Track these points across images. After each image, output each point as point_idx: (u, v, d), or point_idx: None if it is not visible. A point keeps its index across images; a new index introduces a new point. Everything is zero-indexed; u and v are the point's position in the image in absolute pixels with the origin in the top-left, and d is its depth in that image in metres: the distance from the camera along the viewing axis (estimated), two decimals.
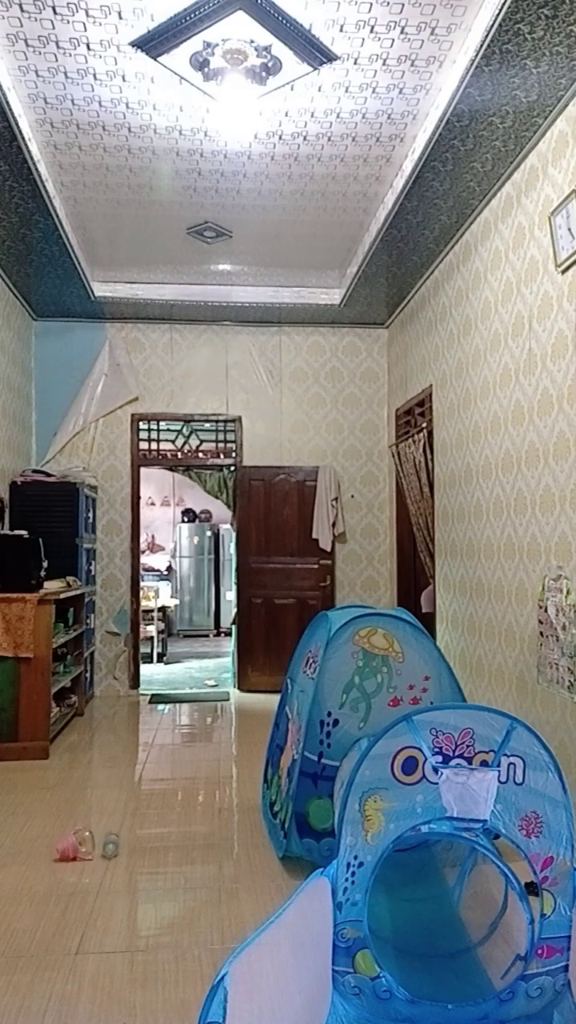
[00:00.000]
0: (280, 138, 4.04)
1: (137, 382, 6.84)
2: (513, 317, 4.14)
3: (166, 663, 8.56)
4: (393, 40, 3.23)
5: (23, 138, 3.85)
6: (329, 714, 3.06)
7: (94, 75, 3.48)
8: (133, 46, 3.27)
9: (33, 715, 4.76)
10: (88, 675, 6.42)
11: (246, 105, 3.71)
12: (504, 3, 2.88)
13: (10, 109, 3.60)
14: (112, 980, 2.35)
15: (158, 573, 10.72)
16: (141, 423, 6.91)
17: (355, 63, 3.39)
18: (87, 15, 3.08)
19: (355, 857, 1.87)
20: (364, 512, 7.01)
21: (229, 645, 7.85)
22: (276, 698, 3.82)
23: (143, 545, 9.16)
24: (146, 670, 7.51)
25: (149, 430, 6.99)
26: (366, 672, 3.08)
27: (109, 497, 6.81)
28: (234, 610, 7.12)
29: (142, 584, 7.34)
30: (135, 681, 6.85)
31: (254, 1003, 1.86)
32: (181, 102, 3.70)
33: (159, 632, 8.71)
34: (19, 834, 3.54)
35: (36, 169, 4.15)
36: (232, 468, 7.11)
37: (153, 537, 11.31)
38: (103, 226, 5.13)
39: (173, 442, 7.10)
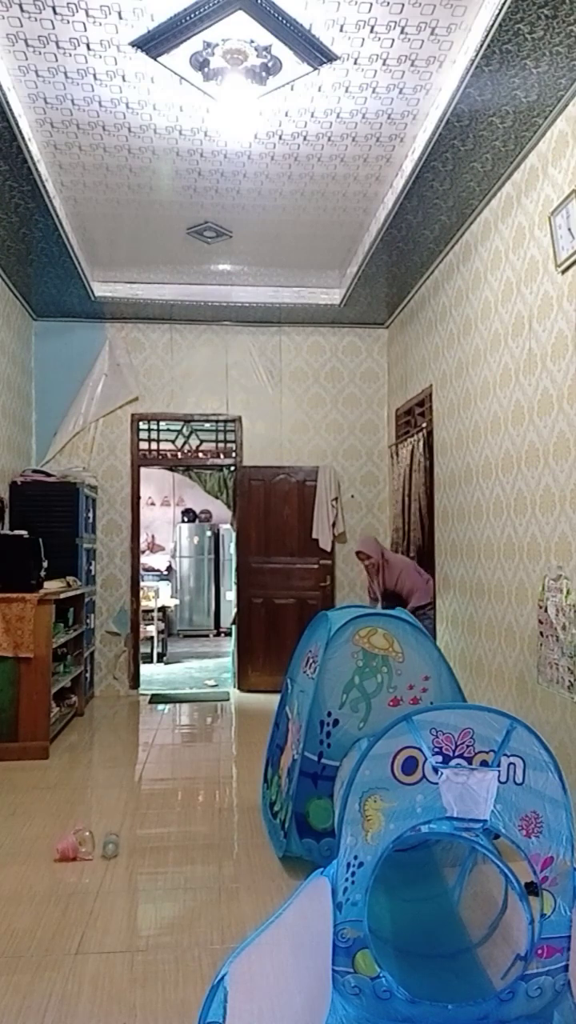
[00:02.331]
0: (280, 138, 4.04)
1: (137, 382, 6.84)
2: (513, 317, 4.14)
3: (166, 663, 8.56)
4: (393, 40, 3.23)
5: (23, 138, 3.85)
6: (329, 714, 3.06)
7: (94, 75, 3.48)
8: (133, 46, 3.27)
9: (33, 715, 4.76)
10: (88, 675, 6.42)
11: (246, 105, 3.71)
12: (504, 3, 2.88)
13: (10, 109, 3.60)
14: (112, 980, 2.35)
15: (158, 573, 10.72)
16: (141, 423, 6.92)
17: (355, 63, 3.39)
18: (87, 15, 3.08)
19: (355, 857, 1.87)
20: (364, 512, 7.01)
21: (229, 645, 7.85)
22: (276, 698, 3.82)
23: (143, 545, 9.16)
24: (146, 670, 7.51)
25: (149, 430, 6.99)
26: (366, 672, 3.08)
27: (109, 497, 6.81)
28: (234, 610, 7.12)
29: (142, 584, 7.34)
30: (135, 681, 6.85)
31: (254, 1003, 1.86)
32: (181, 102, 3.71)
33: (159, 632, 8.71)
34: (19, 834, 3.53)
35: (36, 169, 4.15)
36: (232, 468, 7.11)
37: (153, 537, 11.31)
38: (103, 226, 5.13)
39: (173, 442, 7.10)
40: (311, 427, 6.99)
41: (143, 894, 3.03)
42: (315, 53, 3.30)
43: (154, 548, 11.25)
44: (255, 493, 6.86)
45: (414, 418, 6.21)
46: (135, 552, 6.88)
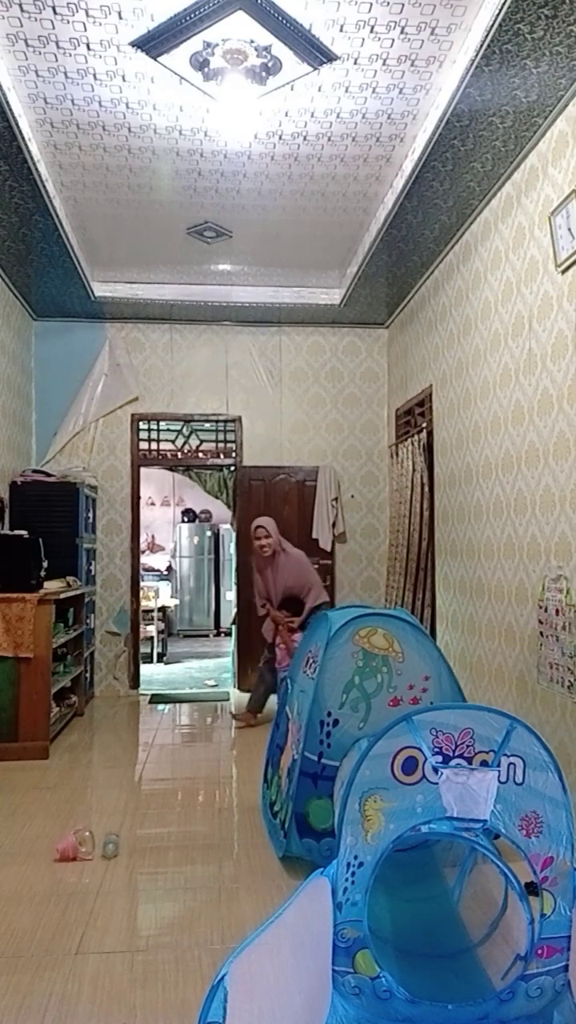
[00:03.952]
0: (280, 138, 4.04)
1: (137, 382, 6.84)
2: (513, 317, 4.14)
3: (166, 663, 8.55)
4: (393, 40, 3.23)
5: (23, 138, 3.85)
6: (329, 714, 3.06)
7: (94, 75, 3.48)
8: (133, 46, 3.27)
9: (33, 715, 4.76)
10: (88, 675, 6.42)
11: (246, 105, 3.71)
12: (504, 3, 2.88)
13: (10, 109, 3.60)
14: (112, 980, 2.35)
15: (158, 573, 10.72)
16: (141, 423, 6.91)
17: (355, 63, 3.39)
18: (87, 15, 3.08)
19: (355, 857, 1.87)
20: (364, 512, 7.01)
21: (229, 645, 7.85)
22: (276, 698, 3.82)
23: (143, 545, 9.16)
24: (146, 670, 7.51)
25: (149, 430, 6.99)
26: (366, 672, 3.08)
27: (109, 497, 6.81)
28: (234, 610, 7.12)
29: (142, 584, 7.34)
30: (135, 681, 6.85)
31: (254, 1003, 1.86)
32: (181, 102, 3.71)
33: (159, 632, 8.71)
34: (19, 834, 3.53)
35: (36, 169, 4.15)
36: (232, 468, 7.11)
37: (153, 537, 11.31)
38: (103, 226, 5.13)
39: (173, 442, 7.10)
40: (311, 427, 6.99)
41: (143, 894, 3.03)
42: (315, 53, 3.30)
43: (154, 548, 11.25)
44: (255, 493, 6.86)
45: (414, 418, 6.21)
46: (135, 552, 6.88)
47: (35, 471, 6.19)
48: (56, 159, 4.24)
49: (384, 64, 3.40)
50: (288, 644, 5.16)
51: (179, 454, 7.12)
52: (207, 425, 7.07)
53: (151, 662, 8.28)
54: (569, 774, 2.47)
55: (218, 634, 10.91)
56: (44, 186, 4.34)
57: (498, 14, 2.93)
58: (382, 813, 1.88)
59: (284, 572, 5.14)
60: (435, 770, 1.90)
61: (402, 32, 3.17)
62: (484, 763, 1.90)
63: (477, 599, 4.72)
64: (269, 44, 3.25)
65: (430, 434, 5.66)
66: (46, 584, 5.16)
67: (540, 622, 3.77)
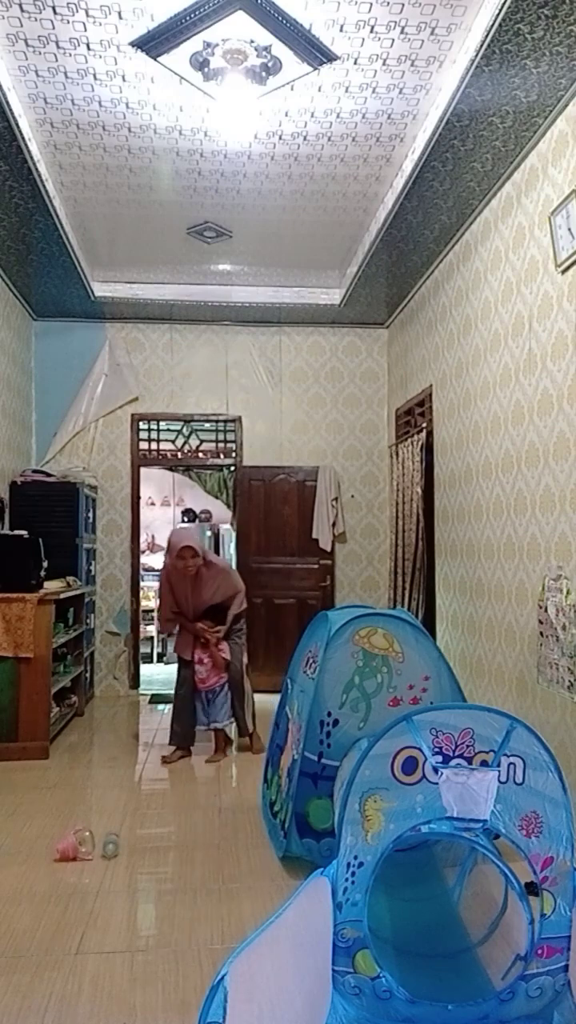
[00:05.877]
0: (280, 138, 4.04)
1: (137, 382, 6.84)
2: (513, 317, 4.14)
3: (166, 663, 8.54)
4: (393, 40, 3.23)
5: (23, 138, 3.85)
6: (329, 714, 3.06)
7: (94, 75, 3.48)
8: (133, 46, 3.27)
9: (33, 715, 4.75)
10: (88, 675, 6.42)
11: (246, 105, 3.71)
12: (504, 3, 2.88)
13: (10, 109, 3.60)
14: (112, 980, 2.35)
15: (158, 573, 10.69)
16: (141, 423, 6.92)
17: (355, 63, 3.39)
18: (87, 15, 3.08)
19: (355, 857, 1.87)
20: (364, 512, 7.01)
21: None
22: (276, 698, 3.82)
23: (143, 545, 9.14)
24: (146, 670, 7.50)
25: (149, 430, 6.99)
26: (366, 672, 3.08)
27: (109, 497, 6.81)
28: None
29: (142, 584, 7.33)
30: (135, 681, 6.85)
31: (254, 1003, 1.86)
32: (181, 102, 3.71)
33: (159, 632, 8.70)
34: (19, 834, 3.53)
35: (36, 169, 4.15)
36: (232, 468, 7.11)
37: (153, 537, 11.29)
38: (103, 226, 5.13)
39: (173, 442, 7.10)
40: (311, 427, 6.99)
41: (143, 894, 3.03)
42: (315, 53, 3.30)
43: (154, 548, 11.24)
44: (255, 493, 6.86)
45: (414, 418, 6.21)
46: (135, 552, 6.88)
47: (35, 471, 6.19)
48: (56, 159, 4.24)
49: (384, 64, 3.40)
50: (216, 658, 4.75)
51: (179, 454, 7.12)
52: (207, 425, 7.07)
53: (151, 662, 8.27)
54: (569, 774, 2.46)
55: None
56: (44, 186, 4.34)
57: (498, 14, 2.93)
58: (382, 813, 1.88)
59: (211, 584, 4.75)
60: (435, 770, 1.90)
61: (402, 32, 3.17)
62: (484, 763, 1.90)
63: (477, 599, 4.72)
64: (269, 44, 3.25)
65: (430, 434, 5.66)
66: (46, 584, 5.16)
67: (540, 622, 3.77)
